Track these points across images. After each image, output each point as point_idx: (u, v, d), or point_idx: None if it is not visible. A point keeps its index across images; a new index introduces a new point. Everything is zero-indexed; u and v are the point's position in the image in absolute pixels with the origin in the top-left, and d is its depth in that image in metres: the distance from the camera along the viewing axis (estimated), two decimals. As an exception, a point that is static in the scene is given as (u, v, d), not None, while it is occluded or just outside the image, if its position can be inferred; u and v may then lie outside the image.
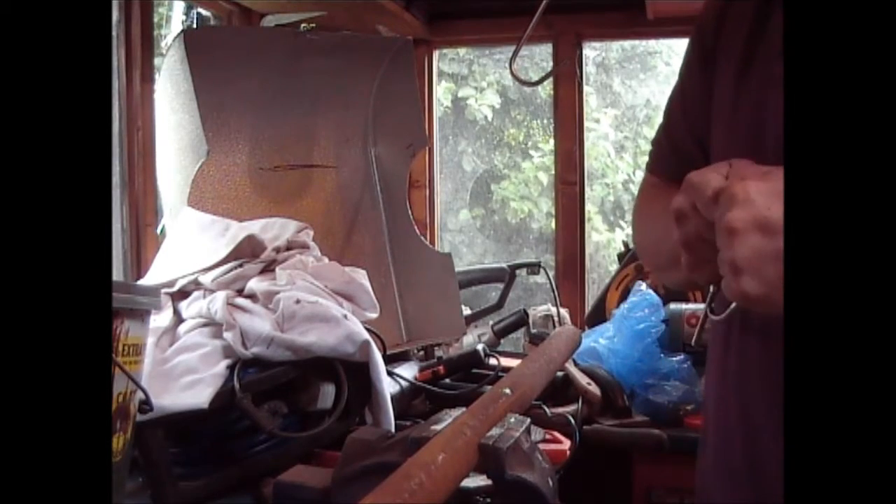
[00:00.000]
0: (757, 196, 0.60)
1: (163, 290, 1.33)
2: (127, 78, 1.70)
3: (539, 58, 2.99)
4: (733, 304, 0.68)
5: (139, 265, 1.70)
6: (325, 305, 1.31)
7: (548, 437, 1.46)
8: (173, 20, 2.09)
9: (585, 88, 2.47)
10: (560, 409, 1.63)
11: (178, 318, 1.37)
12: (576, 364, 1.77)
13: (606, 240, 3.69)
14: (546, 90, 3.22)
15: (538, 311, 2.13)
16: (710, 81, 0.87)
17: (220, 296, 1.32)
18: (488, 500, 0.91)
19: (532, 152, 3.86)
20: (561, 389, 1.72)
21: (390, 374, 1.54)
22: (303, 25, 2.00)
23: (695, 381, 1.75)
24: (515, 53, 2.01)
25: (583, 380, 1.73)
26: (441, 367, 1.71)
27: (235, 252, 1.39)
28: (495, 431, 0.78)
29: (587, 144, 2.47)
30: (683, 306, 1.89)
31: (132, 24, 1.71)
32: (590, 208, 2.41)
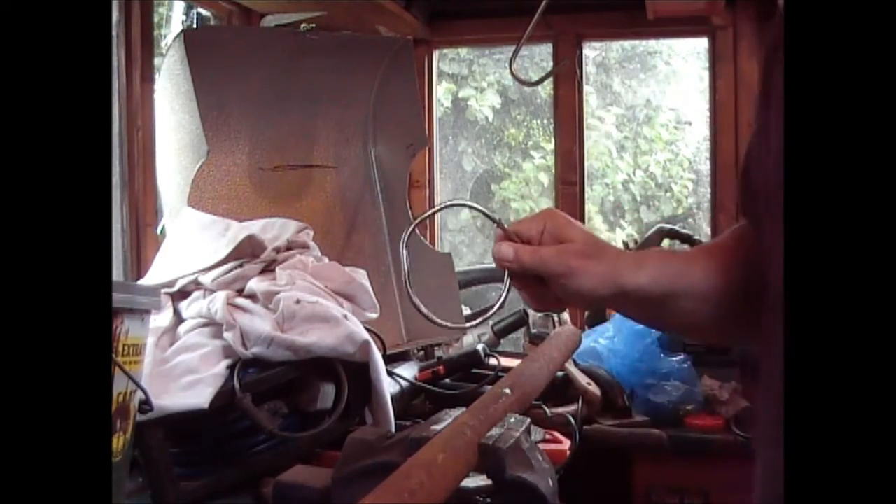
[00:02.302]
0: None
1: (163, 290, 1.33)
2: (127, 78, 1.70)
3: (539, 58, 2.99)
4: None
5: (139, 265, 1.70)
6: (325, 305, 1.31)
7: (548, 437, 1.46)
8: (173, 20, 2.09)
9: (585, 88, 2.47)
10: (560, 409, 1.63)
11: (178, 318, 1.37)
12: (576, 364, 1.77)
13: (606, 240, 3.68)
14: (546, 90, 3.22)
15: (538, 311, 2.13)
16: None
17: (220, 296, 1.32)
18: (488, 500, 0.91)
19: (532, 152, 3.86)
20: (561, 389, 1.72)
21: (390, 374, 1.54)
22: (303, 25, 2.00)
23: (695, 381, 1.75)
24: (515, 53, 2.00)
25: (583, 380, 1.73)
26: (441, 367, 1.71)
27: (235, 252, 1.39)
28: (495, 431, 0.78)
29: (587, 144, 2.47)
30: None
31: (132, 24, 1.70)
32: (590, 208, 2.41)
